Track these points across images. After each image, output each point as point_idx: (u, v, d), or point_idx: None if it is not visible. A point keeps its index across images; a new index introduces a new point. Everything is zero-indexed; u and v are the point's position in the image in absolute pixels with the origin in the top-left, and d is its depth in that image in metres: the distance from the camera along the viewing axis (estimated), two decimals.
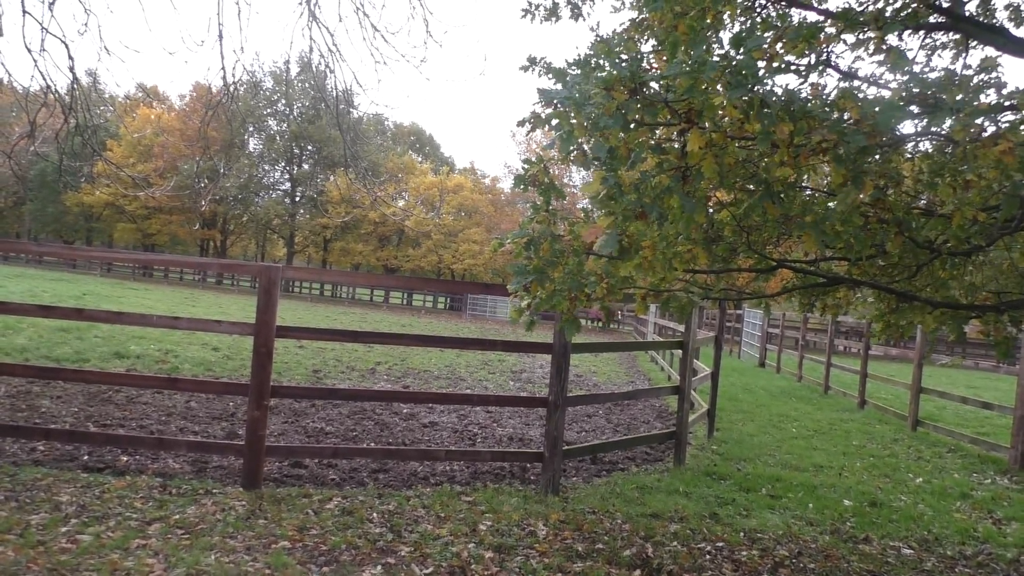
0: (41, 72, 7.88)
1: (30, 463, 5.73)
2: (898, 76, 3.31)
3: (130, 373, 10.11)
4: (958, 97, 2.88)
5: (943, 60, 4.63)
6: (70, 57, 8.02)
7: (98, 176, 44.28)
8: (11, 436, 6.22)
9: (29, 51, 7.79)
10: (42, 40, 7.78)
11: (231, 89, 8.34)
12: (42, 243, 56.43)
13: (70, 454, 6.11)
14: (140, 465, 5.99)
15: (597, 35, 3.64)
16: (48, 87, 8.21)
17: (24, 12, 7.62)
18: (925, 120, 2.72)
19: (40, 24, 7.78)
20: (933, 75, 3.50)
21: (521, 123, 3.22)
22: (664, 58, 2.98)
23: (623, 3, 4.87)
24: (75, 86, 8.61)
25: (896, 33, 3.42)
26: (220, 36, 7.56)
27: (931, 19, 3.92)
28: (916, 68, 3.58)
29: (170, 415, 8.01)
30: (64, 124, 8.88)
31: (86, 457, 6.08)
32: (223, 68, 7.57)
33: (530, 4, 5.07)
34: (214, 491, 5.39)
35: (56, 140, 9.47)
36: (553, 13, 4.93)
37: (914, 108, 2.83)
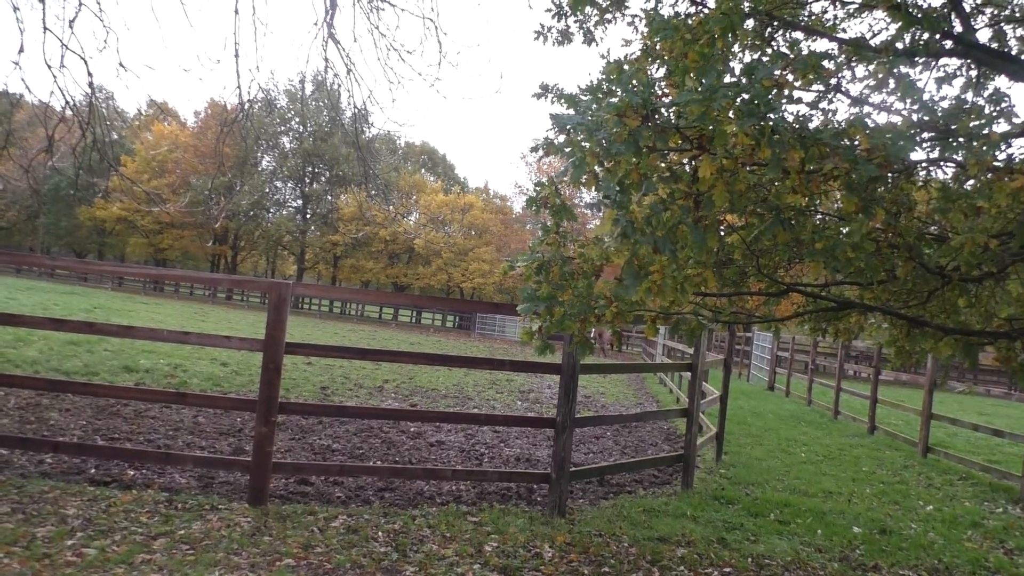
0: (60, 88, 8.02)
1: (38, 475, 5.75)
2: (908, 104, 3.32)
3: (139, 387, 10.15)
4: (971, 125, 2.89)
5: (953, 89, 4.63)
6: (89, 73, 8.15)
7: (112, 191, 44.68)
8: (19, 448, 6.25)
9: (49, 67, 7.93)
10: (62, 56, 7.92)
11: (246, 107, 8.44)
12: (55, 257, 56.90)
13: (77, 467, 6.12)
14: (147, 479, 5.99)
15: (608, 61, 3.66)
16: (67, 102, 8.33)
17: (45, 29, 7.76)
18: (937, 149, 2.72)
19: (60, 40, 7.92)
20: (944, 103, 3.50)
21: (534, 149, 3.24)
22: (674, 84, 3.00)
23: (634, 36, 4.91)
24: (93, 101, 8.73)
25: (907, 62, 3.43)
26: (236, 54, 7.67)
27: (944, 45, 3.93)
28: (926, 96, 3.59)
29: (178, 430, 8.02)
30: (81, 139, 9.00)
31: (93, 470, 6.09)
32: (239, 86, 7.68)
33: (542, 27, 5.12)
34: (220, 507, 5.39)
35: (73, 155, 9.59)
36: (565, 37, 4.97)
37: (925, 135, 2.84)
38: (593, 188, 3.08)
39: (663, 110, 2.79)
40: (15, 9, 7.81)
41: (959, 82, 4.45)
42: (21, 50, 8.04)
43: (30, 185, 11.78)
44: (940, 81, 3.97)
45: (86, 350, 13.16)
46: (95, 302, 29.40)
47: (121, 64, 8.49)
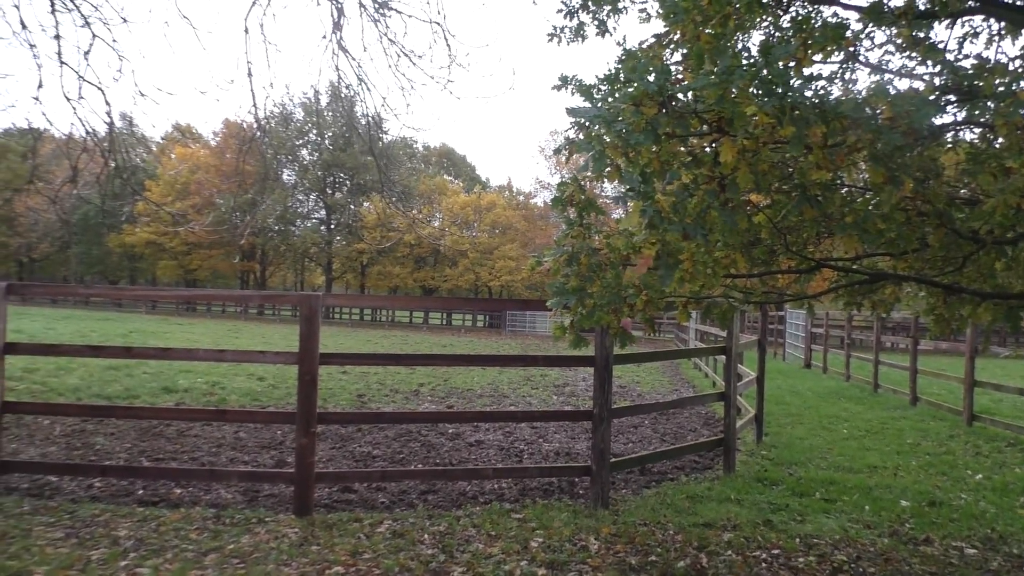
0: (80, 119, 8.15)
1: (88, 499, 5.87)
2: (930, 67, 3.26)
3: (179, 407, 10.30)
4: (996, 84, 2.83)
5: (976, 46, 4.54)
6: (107, 102, 8.28)
7: (139, 216, 45.42)
8: (69, 474, 6.38)
9: (68, 99, 8.06)
10: (79, 88, 8.06)
11: (263, 123, 8.52)
12: (88, 285, 58.00)
13: (126, 489, 6.23)
14: (194, 497, 6.09)
15: (624, 49, 3.64)
16: (88, 132, 8.48)
17: (61, 63, 7.89)
18: (963, 111, 2.67)
19: (77, 73, 8.06)
20: (967, 63, 3.44)
21: (557, 151, 3.23)
22: (690, 69, 2.97)
23: (648, 15, 4.87)
24: (112, 130, 8.86)
25: (927, 25, 3.36)
26: (249, 73, 7.75)
27: (967, 4, 3.85)
28: (949, 56, 3.51)
29: (220, 446, 8.13)
30: (104, 167, 9.14)
31: (141, 491, 6.20)
32: (254, 105, 7.75)
33: (555, 28, 5.09)
34: (267, 519, 5.46)
35: (97, 183, 9.75)
36: (578, 33, 4.95)
37: (950, 97, 2.78)
38: (616, 181, 3.06)
39: (680, 96, 2.76)
40: (32, 47, 7.97)
41: (982, 38, 4.36)
42: (40, 85, 8.19)
43: (59, 216, 12.00)
44: (962, 40, 3.89)
45: (126, 374, 13.39)
46: (131, 326, 29.92)
47: (140, 91, 8.63)
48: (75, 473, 6.37)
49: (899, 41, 3.56)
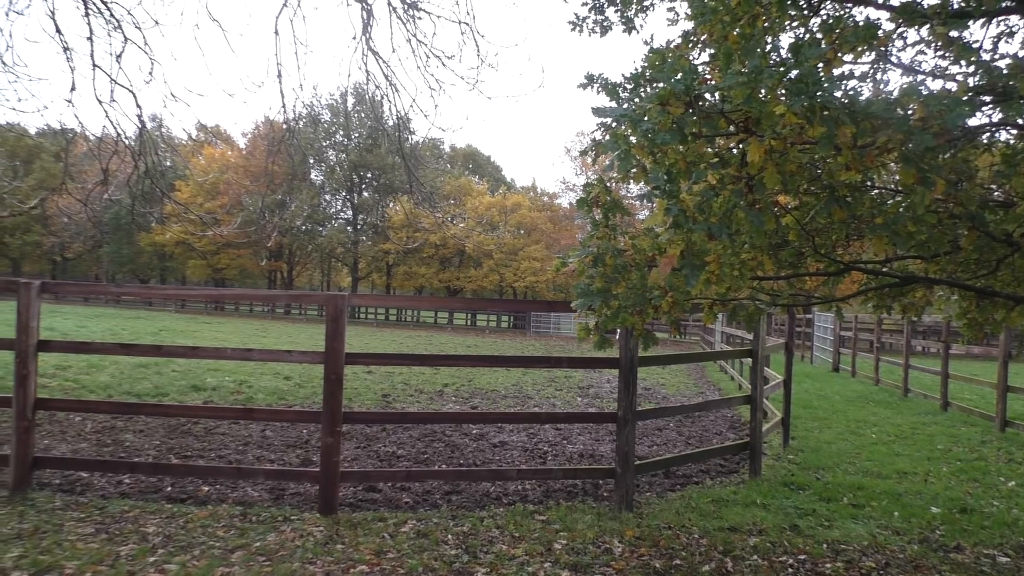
0: (112, 121, 8.28)
1: (117, 496, 5.96)
2: (964, 67, 3.20)
3: (207, 405, 10.42)
4: None
5: (1012, 46, 4.46)
6: (138, 105, 8.41)
7: (168, 216, 46.04)
8: (99, 470, 6.48)
9: (100, 102, 8.19)
10: (111, 91, 8.19)
11: (292, 125, 8.59)
12: (119, 284, 58.98)
13: (154, 486, 6.32)
14: (220, 494, 6.15)
15: (651, 48, 3.61)
16: (119, 135, 8.61)
17: (94, 66, 8.02)
18: (998, 112, 2.62)
19: (109, 76, 8.18)
20: (1002, 63, 3.37)
21: (584, 152, 3.22)
22: (718, 68, 2.95)
23: (676, 15, 4.84)
24: (143, 132, 8.99)
25: (962, 24, 3.30)
26: (279, 76, 7.81)
27: (1002, 3, 3.78)
28: (984, 56, 3.45)
29: (247, 444, 8.21)
30: (134, 169, 9.28)
31: (169, 488, 6.28)
32: (283, 105, 7.81)
33: (577, 17, 5.07)
34: (292, 518, 5.50)
35: (128, 185, 9.90)
36: (603, 27, 4.93)
37: (985, 98, 2.73)
38: (642, 181, 3.04)
39: (707, 95, 2.74)
40: (65, 49, 8.09)
41: (1018, 38, 4.28)
42: (73, 88, 8.35)
43: (90, 217, 12.21)
44: (997, 40, 3.82)
45: (155, 372, 13.58)
46: (160, 325, 30.35)
47: (171, 93, 8.75)
48: (105, 469, 6.47)
49: (931, 40, 3.51)
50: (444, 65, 8.28)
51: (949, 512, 6.34)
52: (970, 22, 3.50)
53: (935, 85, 3.73)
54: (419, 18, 8.43)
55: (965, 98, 2.61)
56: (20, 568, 4.29)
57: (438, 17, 8.22)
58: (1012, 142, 4.00)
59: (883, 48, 3.51)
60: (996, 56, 4.22)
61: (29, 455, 5.84)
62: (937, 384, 13.66)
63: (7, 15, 7.74)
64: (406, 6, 8.20)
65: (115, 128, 8.70)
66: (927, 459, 8.66)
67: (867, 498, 6.69)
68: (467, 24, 8.06)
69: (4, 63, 8.09)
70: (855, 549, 5.30)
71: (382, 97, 8.57)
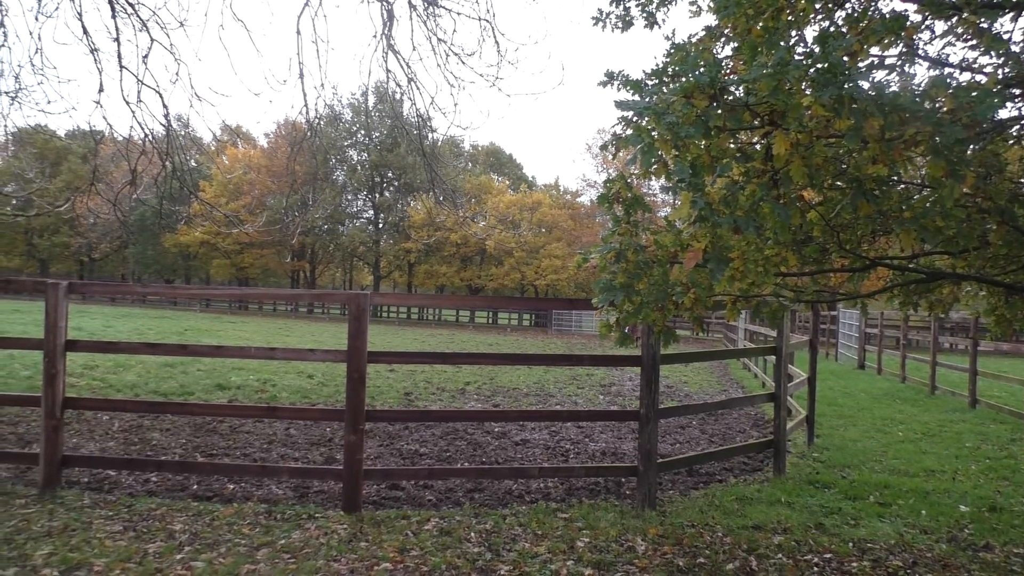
0: (139, 122, 8.36)
1: (144, 494, 6.03)
2: (994, 58, 3.15)
3: (232, 404, 10.52)
4: None
5: None
6: (164, 106, 8.46)
7: (193, 216, 46.54)
8: (126, 469, 6.56)
9: (127, 103, 8.28)
10: (138, 92, 8.26)
11: (314, 124, 8.64)
12: (145, 284, 59.71)
13: (181, 484, 6.39)
14: (246, 492, 6.20)
15: (673, 43, 3.58)
16: (146, 135, 8.69)
17: (121, 67, 8.11)
18: None
19: (136, 77, 8.26)
20: None
21: (604, 147, 3.20)
22: (742, 61, 2.92)
23: (699, 7, 4.79)
24: (170, 132, 9.07)
25: (992, 15, 3.24)
26: (301, 75, 7.85)
27: None
28: (1014, 48, 3.38)
29: (271, 442, 8.28)
30: (162, 170, 9.37)
31: (195, 486, 6.34)
32: (305, 105, 7.85)
33: (600, 12, 5.04)
34: (316, 515, 5.53)
35: (155, 185, 10.00)
36: (625, 22, 4.89)
37: (1015, 90, 2.68)
38: (663, 177, 3.01)
39: (732, 88, 2.71)
40: (93, 51, 8.18)
41: None
42: (101, 89, 8.44)
43: (117, 218, 12.36)
44: None
45: (180, 371, 13.73)
46: (185, 324, 30.69)
47: (196, 94, 8.83)
48: (132, 468, 6.55)
49: (961, 31, 3.45)
50: (464, 63, 8.29)
51: (978, 510, 6.24)
52: (1000, 13, 3.44)
53: (964, 77, 3.67)
54: (439, 15, 8.44)
55: (995, 90, 2.56)
56: (50, 565, 4.36)
57: (458, 14, 8.22)
58: None
59: (911, 39, 3.45)
60: None
61: (58, 454, 5.93)
62: (965, 381, 13.46)
63: (36, 18, 7.82)
64: (426, 3, 8.20)
65: (143, 128, 8.79)
66: (955, 457, 8.53)
67: (894, 496, 6.60)
68: (487, 21, 8.05)
69: (33, 64, 8.19)
70: (882, 548, 5.23)
71: (402, 95, 8.58)
